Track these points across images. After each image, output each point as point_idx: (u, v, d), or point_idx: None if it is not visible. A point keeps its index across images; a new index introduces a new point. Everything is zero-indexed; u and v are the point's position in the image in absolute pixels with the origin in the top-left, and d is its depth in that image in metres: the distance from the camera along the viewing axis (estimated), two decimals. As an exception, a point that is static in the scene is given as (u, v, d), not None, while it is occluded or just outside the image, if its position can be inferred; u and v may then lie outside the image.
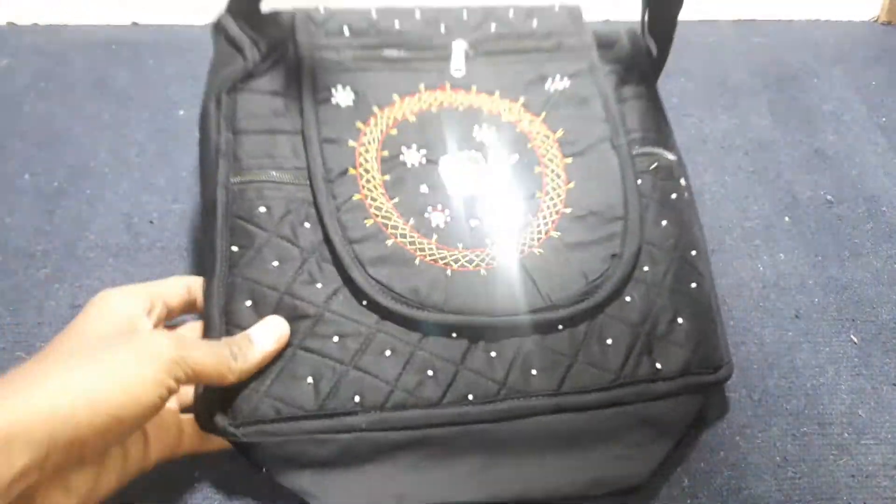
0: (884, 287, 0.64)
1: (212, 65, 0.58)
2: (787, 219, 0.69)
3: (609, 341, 0.51)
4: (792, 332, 0.61)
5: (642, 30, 0.61)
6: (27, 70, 0.83)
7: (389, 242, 0.52)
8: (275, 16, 0.58)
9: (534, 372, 0.50)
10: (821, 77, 0.84)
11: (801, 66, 0.86)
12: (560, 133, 0.58)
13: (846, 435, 0.55)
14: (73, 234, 0.67)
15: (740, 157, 0.75)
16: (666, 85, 0.63)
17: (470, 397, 0.49)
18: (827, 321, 0.62)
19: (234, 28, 0.57)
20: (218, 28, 0.58)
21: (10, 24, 0.90)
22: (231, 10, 0.57)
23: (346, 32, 0.58)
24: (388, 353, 0.49)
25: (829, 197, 0.71)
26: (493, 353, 0.50)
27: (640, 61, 0.62)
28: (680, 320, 0.52)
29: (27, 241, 0.66)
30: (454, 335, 0.50)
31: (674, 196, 0.57)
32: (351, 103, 0.56)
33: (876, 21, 0.94)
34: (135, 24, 0.90)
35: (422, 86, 0.57)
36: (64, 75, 0.83)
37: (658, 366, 0.50)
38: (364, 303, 0.51)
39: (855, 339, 0.61)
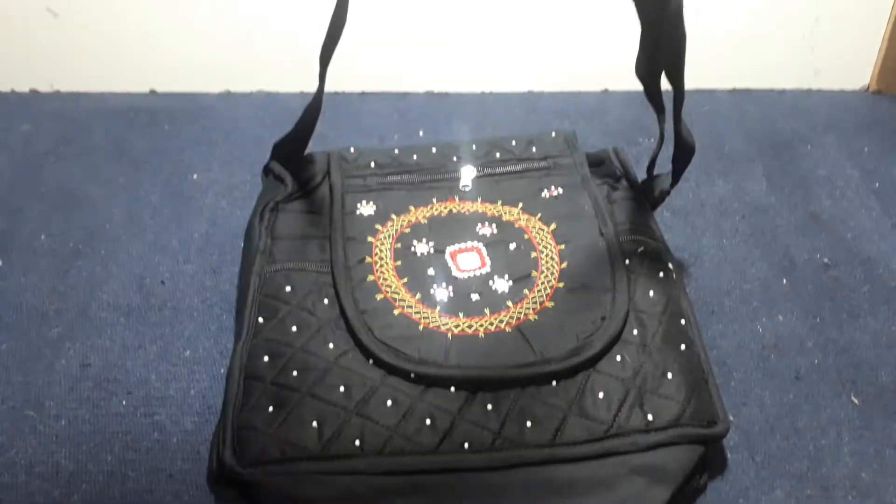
0: (883, 349, 0.65)
1: (260, 194, 0.69)
2: (784, 281, 0.71)
3: (601, 395, 0.53)
4: (793, 394, 0.62)
5: (651, 166, 0.68)
6: (47, 135, 0.87)
7: (396, 312, 0.58)
8: (312, 156, 0.70)
9: (528, 423, 0.51)
10: (814, 144, 0.87)
11: (795, 133, 0.89)
12: (554, 226, 0.64)
13: (850, 498, 0.55)
14: (86, 295, 0.68)
15: (737, 220, 0.77)
16: (663, 151, 0.66)
17: (466, 446, 0.51)
18: (827, 383, 0.63)
19: (278, 168, 0.69)
20: (266, 170, 0.70)
21: (33, 91, 0.94)
22: (276, 157, 0.69)
23: (373, 165, 0.69)
24: (389, 402, 0.52)
25: (825, 260, 0.73)
26: (489, 406, 0.52)
27: (628, 174, 0.70)
28: (670, 375, 0.54)
29: (41, 300, 0.68)
30: (453, 388, 0.53)
31: (661, 274, 0.61)
32: (372, 212, 0.66)
33: (866, 90, 0.97)
34: (153, 91, 0.94)
35: (434, 199, 0.67)
36: (83, 140, 0.86)
37: (650, 417, 0.52)
38: (371, 361, 0.55)
39: (856, 401, 0.61)
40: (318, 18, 0.87)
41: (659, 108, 0.65)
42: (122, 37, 0.90)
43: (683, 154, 0.63)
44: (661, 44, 0.58)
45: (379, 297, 0.59)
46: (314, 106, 0.64)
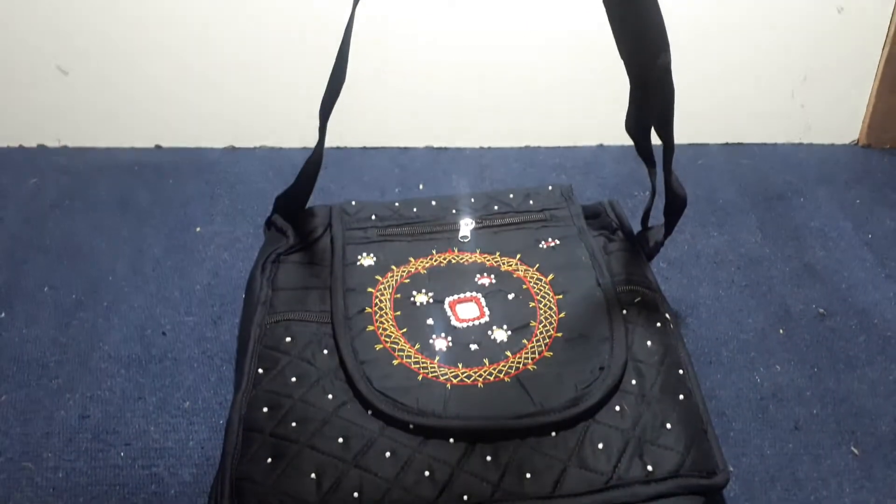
0: (881, 399, 0.65)
1: (262, 247, 0.69)
2: (781, 331, 0.71)
3: (600, 445, 0.53)
4: (792, 444, 0.62)
5: (644, 218, 0.69)
6: (54, 188, 0.88)
7: (395, 363, 0.58)
8: (314, 209, 0.71)
9: (528, 475, 0.51)
10: (806, 196, 0.89)
11: (788, 186, 0.91)
12: (551, 277, 0.65)
13: (853, 551, 0.55)
14: (87, 346, 0.69)
15: (733, 271, 0.78)
16: (659, 203, 0.67)
17: (465, 498, 0.50)
18: (827, 433, 0.63)
19: (280, 221, 0.69)
20: (269, 223, 0.71)
21: (41, 146, 0.96)
22: (278, 211, 0.70)
23: (373, 217, 0.70)
24: (388, 454, 0.52)
25: (821, 310, 0.74)
26: (488, 457, 0.52)
27: (623, 226, 0.71)
28: (669, 425, 0.54)
29: (42, 352, 0.68)
30: (452, 440, 0.53)
31: (658, 324, 0.61)
32: (373, 263, 0.66)
33: (856, 144, 0.99)
34: (158, 146, 0.96)
35: (434, 250, 0.68)
36: (88, 194, 0.88)
37: (649, 468, 0.52)
38: (370, 412, 0.55)
39: (856, 452, 0.61)
40: (321, 75, 0.90)
41: (650, 163, 0.67)
42: (129, 93, 0.93)
43: (675, 206, 0.65)
44: (651, 99, 0.60)
45: (378, 347, 0.59)
46: (315, 159, 0.65)
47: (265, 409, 0.55)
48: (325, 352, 0.59)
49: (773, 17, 0.91)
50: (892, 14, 0.91)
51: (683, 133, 0.97)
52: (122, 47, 0.90)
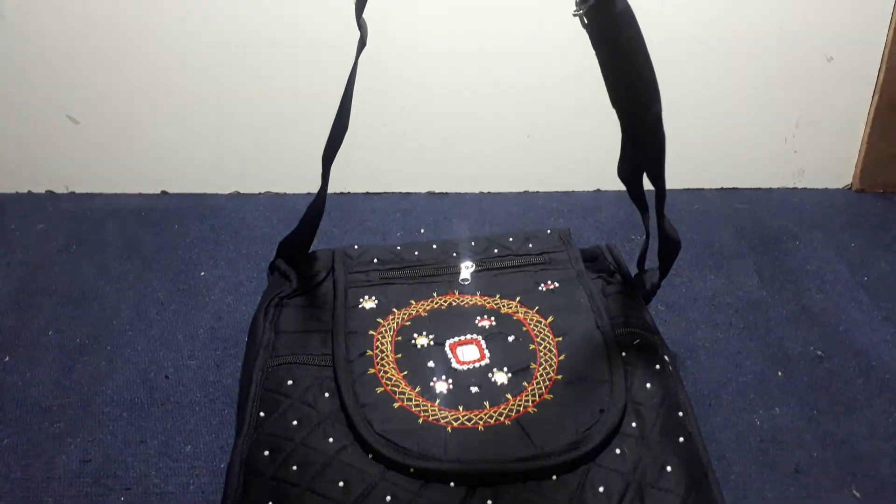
0: (881, 441, 0.65)
1: (265, 291, 0.70)
2: (779, 374, 0.72)
3: (601, 489, 0.53)
4: (794, 488, 0.61)
5: (640, 261, 0.70)
6: (61, 234, 0.90)
7: (396, 406, 0.58)
8: (317, 253, 0.72)
9: None
10: (802, 240, 0.90)
11: (783, 230, 0.92)
12: (551, 319, 0.66)
13: None
14: (89, 389, 0.69)
15: (731, 314, 0.79)
16: (655, 246, 0.68)
17: None
18: (828, 476, 0.62)
19: (283, 266, 0.70)
20: (272, 267, 0.71)
21: (49, 192, 0.98)
22: (281, 255, 0.71)
23: (375, 261, 0.71)
24: (388, 498, 0.52)
25: (819, 352, 0.74)
26: (489, 501, 0.52)
27: (621, 269, 0.72)
28: (669, 468, 0.54)
29: (45, 395, 0.69)
30: (452, 483, 0.53)
31: (657, 366, 0.62)
32: (374, 306, 0.67)
33: (850, 188, 1.01)
34: (164, 192, 0.98)
35: (434, 293, 0.69)
36: (95, 239, 0.89)
37: None
38: (370, 455, 0.54)
39: (857, 495, 0.61)
40: (325, 122, 0.92)
41: (643, 208, 0.68)
42: (136, 141, 0.95)
43: (669, 249, 0.66)
44: (643, 148, 0.62)
45: (379, 390, 0.59)
46: (317, 205, 0.67)
47: (266, 453, 0.55)
48: (327, 395, 0.59)
49: (765, 65, 0.93)
50: (881, 63, 0.93)
51: (679, 178, 0.99)
52: (130, 97, 0.92)
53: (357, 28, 0.59)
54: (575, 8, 0.55)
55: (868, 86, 0.95)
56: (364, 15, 0.58)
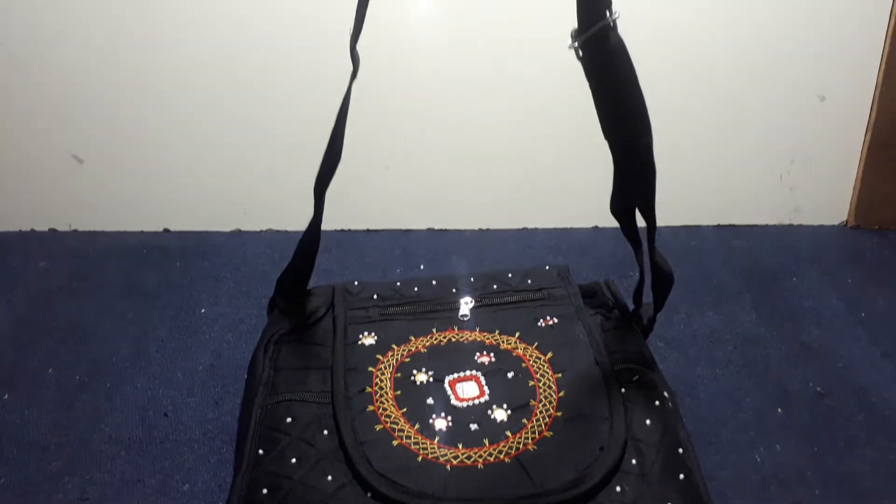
0: (883, 479, 0.65)
1: (265, 328, 0.71)
2: (779, 410, 0.72)
3: None
4: (796, 527, 0.61)
5: (636, 297, 0.70)
6: (63, 272, 0.90)
7: (395, 443, 0.58)
8: (317, 290, 0.72)
9: None
10: (799, 277, 0.91)
11: (780, 266, 0.93)
12: (550, 355, 0.66)
13: None
14: (88, 428, 0.69)
15: (729, 350, 0.79)
16: (650, 281, 0.69)
17: None
18: (830, 515, 0.62)
19: (283, 303, 0.71)
20: (272, 304, 0.71)
21: (52, 230, 0.99)
22: (280, 292, 0.72)
23: (375, 297, 0.72)
24: None
25: (818, 389, 0.74)
26: None
27: (619, 305, 0.72)
28: (670, 504, 0.53)
29: (43, 434, 0.68)
30: None
31: (657, 403, 0.62)
32: (374, 342, 0.67)
33: (845, 225, 1.02)
34: (166, 230, 0.99)
35: (434, 329, 0.69)
36: (96, 277, 0.89)
37: None
38: (369, 494, 0.54)
39: (860, 534, 0.61)
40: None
41: (636, 243, 0.69)
42: (139, 179, 0.96)
43: (662, 281, 0.66)
44: (634, 180, 0.62)
45: (378, 427, 0.59)
46: (311, 234, 0.66)
47: (265, 491, 0.54)
48: (326, 432, 0.59)
49: (758, 104, 0.95)
50: (873, 103, 0.95)
51: (676, 215, 1.00)
52: (133, 135, 0.94)
53: (350, 58, 0.60)
54: (570, 41, 0.57)
55: (860, 125, 0.96)
56: (362, 48, 0.59)
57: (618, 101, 0.59)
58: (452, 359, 0.66)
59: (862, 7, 0.90)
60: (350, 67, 0.59)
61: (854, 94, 0.95)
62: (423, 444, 0.58)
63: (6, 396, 0.72)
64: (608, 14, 0.55)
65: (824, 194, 1.01)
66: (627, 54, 0.56)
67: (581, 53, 0.58)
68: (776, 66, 0.93)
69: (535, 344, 0.67)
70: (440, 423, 0.60)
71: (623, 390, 0.62)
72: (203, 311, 0.84)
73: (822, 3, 0.89)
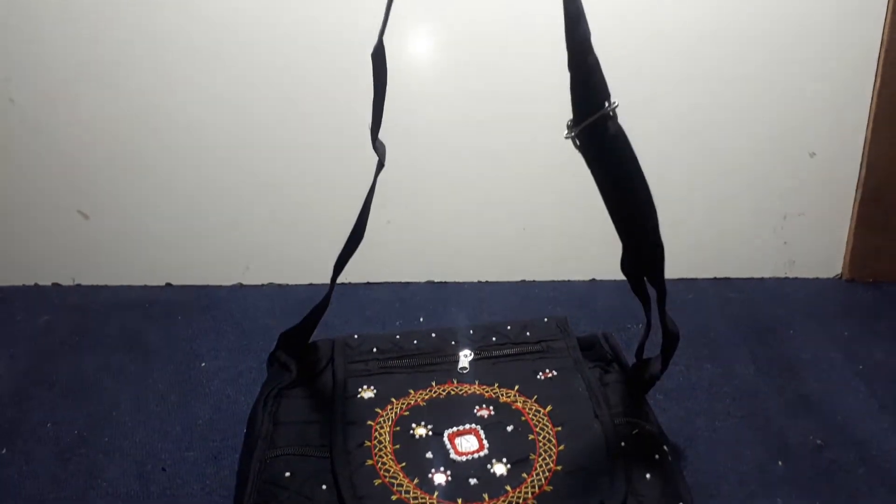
0: (886, 534, 0.65)
1: (265, 381, 0.71)
2: (780, 463, 0.71)
3: None
4: (800, 583, 0.60)
5: (639, 351, 0.71)
6: (65, 326, 0.91)
7: (394, 498, 0.58)
8: (317, 343, 0.73)
9: None
10: (796, 329, 0.91)
11: (777, 319, 0.93)
12: (550, 408, 0.66)
13: None
14: (85, 483, 0.69)
15: (728, 403, 0.79)
16: (651, 337, 0.69)
17: None
18: (834, 570, 0.61)
19: (283, 356, 0.72)
20: (272, 359, 0.73)
21: (55, 285, 1.00)
22: (281, 347, 0.72)
23: (374, 350, 0.72)
24: None
25: (819, 441, 0.74)
26: None
27: (618, 358, 0.73)
28: (671, 558, 0.53)
29: (39, 489, 0.68)
30: None
31: (657, 456, 0.62)
32: (373, 396, 0.68)
33: (840, 278, 1.03)
34: (168, 284, 1.00)
35: (433, 382, 0.70)
36: (98, 331, 0.90)
37: None
38: None
39: (865, 590, 0.60)
40: (327, 215, 0.95)
41: (644, 299, 0.69)
42: (143, 234, 0.98)
43: (669, 343, 0.67)
44: (640, 255, 0.64)
45: (377, 482, 0.59)
46: (323, 305, 0.68)
47: None
48: (324, 487, 0.59)
49: (751, 160, 0.97)
50: (862, 158, 0.97)
51: (673, 268, 1.00)
52: (137, 191, 0.96)
53: (374, 151, 0.62)
54: (566, 131, 0.58)
55: (851, 180, 0.99)
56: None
57: (620, 188, 0.59)
58: (452, 412, 0.66)
59: (849, 65, 0.93)
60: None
61: (843, 151, 0.97)
62: (421, 499, 0.58)
63: (4, 451, 0.72)
64: (607, 104, 0.55)
65: (818, 247, 1.02)
66: (628, 142, 0.56)
67: (578, 143, 0.58)
68: (767, 124, 0.95)
69: (535, 397, 0.68)
70: (439, 478, 0.59)
71: (623, 444, 0.62)
72: (203, 364, 0.84)
73: (810, 61, 0.92)
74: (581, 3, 0.53)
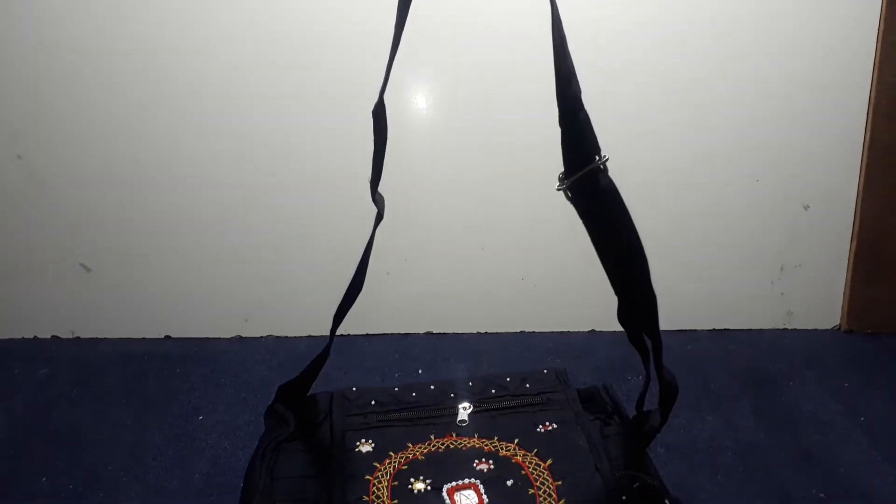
0: (894, 591, 0.63)
1: (262, 435, 0.71)
2: (784, 518, 0.70)
3: None
4: None
5: (639, 403, 0.71)
6: (63, 379, 0.91)
7: None
8: (315, 397, 0.73)
9: None
10: (796, 381, 0.91)
11: (777, 370, 0.93)
12: (550, 462, 0.66)
13: None
14: (80, 539, 0.68)
15: (729, 456, 0.78)
16: (652, 388, 0.69)
17: None
18: None
19: (282, 409, 0.71)
20: (270, 412, 0.72)
21: (54, 338, 1.00)
22: (279, 400, 0.72)
23: (373, 403, 0.72)
24: None
25: (822, 495, 0.73)
26: None
27: (619, 410, 0.72)
28: None
29: (33, 546, 0.67)
30: None
31: None
32: (371, 449, 0.67)
33: (839, 329, 1.03)
34: (168, 337, 1.00)
35: (432, 436, 0.69)
36: (96, 384, 0.90)
37: None
38: None
39: None
40: (324, 268, 0.96)
41: (643, 351, 0.70)
42: (142, 287, 0.98)
43: (668, 395, 0.67)
44: (634, 306, 0.64)
45: None
46: (322, 357, 0.68)
47: None
48: None
49: (746, 214, 0.98)
50: (855, 210, 0.99)
51: (673, 320, 1.02)
52: (139, 245, 0.97)
53: (373, 204, 0.63)
54: (558, 184, 0.59)
55: (845, 231, 1.00)
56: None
57: (611, 239, 0.60)
58: (451, 466, 0.65)
59: (839, 119, 0.94)
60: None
61: (837, 203, 0.99)
62: None
63: (-2, 507, 0.71)
64: (597, 157, 0.57)
65: (816, 299, 1.02)
66: (618, 195, 0.57)
67: (570, 195, 0.59)
68: (760, 176, 0.97)
69: (535, 450, 0.67)
70: None
71: (624, 497, 0.62)
72: (201, 417, 0.84)
73: (801, 116, 0.94)
74: (572, 63, 0.55)
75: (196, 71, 0.90)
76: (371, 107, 0.59)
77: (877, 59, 0.92)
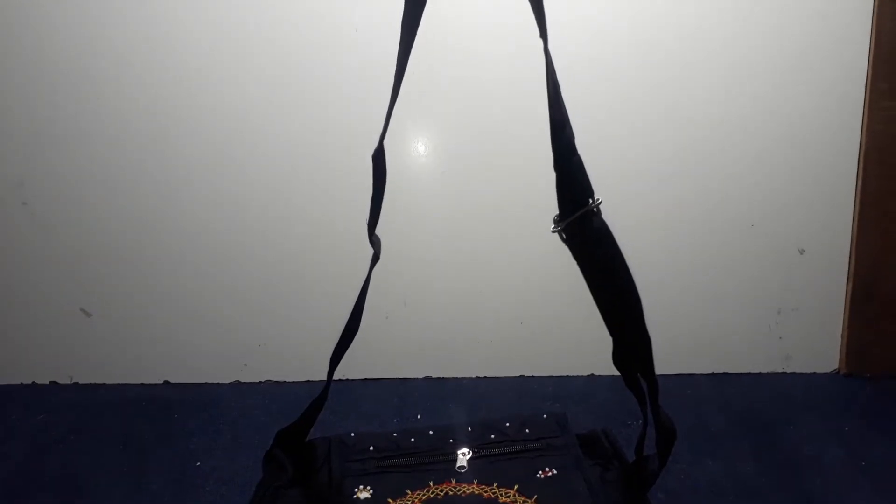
0: None
1: (260, 481, 0.71)
2: (788, 565, 0.70)
3: None
4: None
5: (638, 448, 0.71)
6: (61, 425, 0.90)
7: None
8: (314, 442, 0.74)
9: None
10: (796, 424, 0.91)
11: (776, 414, 0.93)
12: None
13: None
14: (73, 589, 0.67)
15: (731, 501, 0.77)
16: (651, 432, 0.69)
17: None
18: None
19: (280, 455, 0.71)
20: (268, 458, 0.72)
21: (52, 383, 1.00)
22: (277, 445, 0.72)
23: (371, 449, 0.72)
24: None
25: (825, 542, 0.72)
26: None
27: (618, 455, 0.72)
28: None
29: None
30: None
31: None
32: (369, 496, 0.67)
33: (837, 372, 1.03)
34: (166, 382, 1.00)
35: (431, 482, 0.69)
36: (94, 429, 0.89)
37: None
38: None
39: None
40: (322, 314, 0.96)
41: (639, 395, 0.70)
42: (141, 333, 0.99)
43: (665, 439, 0.66)
44: (628, 347, 0.65)
45: None
46: (319, 401, 0.68)
47: None
48: None
49: (742, 258, 0.99)
50: (850, 253, 1.00)
51: (671, 364, 1.02)
52: (138, 291, 0.97)
53: (370, 245, 0.64)
54: (553, 226, 0.60)
55: (841, 275, 1.00)
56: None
57: (605, 281, 0.61)
58: None
59: (831, 163, 0.96)
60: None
61: (832, 247, 0.99)
62: None
63: (-8, 556, 0.70)
64: (591, 200, 0.58)
65: (813, 342, 1.03)
66: (611, 236, 0.58)
67: (565, 236, 0.61)
68: (756, 222, 0.98)
69: (535, 497, 0.67)
70: None
71: None
72: (199, 463, 0.83)
73: (792, 159, 0.96)
74: (566, 111, 0.56)
75: (195, 126, 0.92)
76: (370, 152, 0.61)
77: (866, 106, 0.94)
